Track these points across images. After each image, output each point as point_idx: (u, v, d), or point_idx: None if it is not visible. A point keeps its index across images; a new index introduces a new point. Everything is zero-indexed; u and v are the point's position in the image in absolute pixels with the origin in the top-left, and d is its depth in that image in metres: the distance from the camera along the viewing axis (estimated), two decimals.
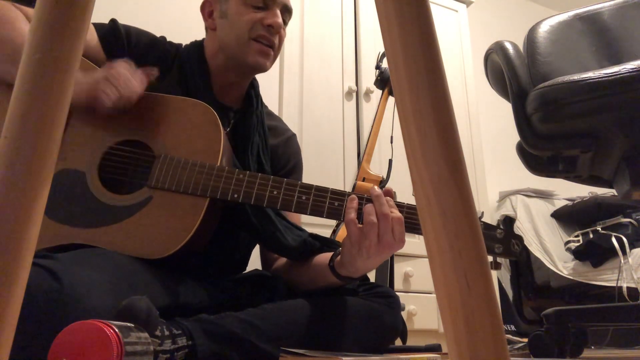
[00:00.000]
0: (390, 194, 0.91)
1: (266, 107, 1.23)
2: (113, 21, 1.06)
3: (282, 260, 1.11)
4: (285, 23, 1.11)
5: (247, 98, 1.15)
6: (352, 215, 0.88)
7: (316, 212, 0.90)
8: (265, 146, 1.12)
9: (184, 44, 1.14)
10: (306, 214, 0.90)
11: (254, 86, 1.17)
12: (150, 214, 0.88)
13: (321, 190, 0.91)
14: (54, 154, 0.30)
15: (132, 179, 0.94)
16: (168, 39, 1.14)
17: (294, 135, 1.26)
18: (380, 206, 0.87)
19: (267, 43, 1.06)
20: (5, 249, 0.28)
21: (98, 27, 1.04)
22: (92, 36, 1.03)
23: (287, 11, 1.11)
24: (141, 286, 0.78)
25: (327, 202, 0.90)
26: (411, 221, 0.90)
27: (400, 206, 0.90)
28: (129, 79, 0.90)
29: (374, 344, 1.00)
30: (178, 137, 0.94)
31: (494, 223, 2.77)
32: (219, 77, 1.10)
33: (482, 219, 0.98)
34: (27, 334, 0.61)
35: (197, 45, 1.13)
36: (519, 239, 0.94)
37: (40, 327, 0.62)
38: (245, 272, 1.14)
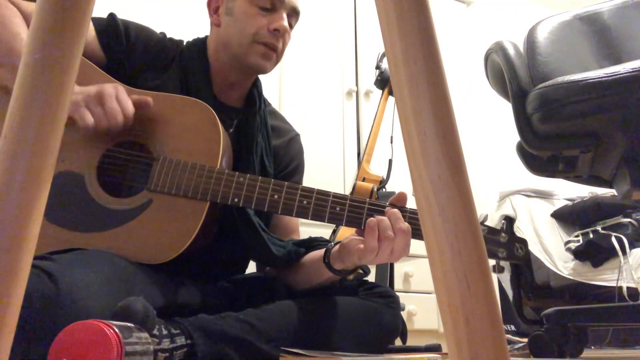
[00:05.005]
0: (404, 199, 0.90)
1: (269, 105, 1.21)
2: (112, 15, 1.03)
3: None
4: (291, 26, 1.07)
5: (250, 97, 1.12)
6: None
7: (317, 216, 0.88)
8: (268, 147, 1.10)
9: (185, 41, 1.12)
10: (307, 218, 0.89)
11: (256, 85, 1.14)
12: (150, 218, 0.88)
13: (322, 194, 0.89)
14: (54, 154, 0.30)
15: (131, 181, 0.93)
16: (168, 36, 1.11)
17: (298, 135, 1.23)
18: (396, 221, 0.85)
19: (270, 46, 1.02)
20: (5, 249, 0.28)
21: (95, 21, 1.01)
22: (89, 30, 1.00)
23: (294, 14, 1.07)
24: (139, 287, 0.78)
25: (328, 206, 0.88)
26: (415, 228, 0.88)
27: (402, 211, 0.88)
28: (114, 107, 0.85)
29: (373, 343, 1.00)
30: (177, 138, 0.93)
31: (494, 223, 2.77)
32: (220, 75, 1.07)
33: (486, 222, 0.97)
34: (24, 336, 0.61)
35: (200, 42, 1.10)
36: (523, 242, 0.93)
37: (37, 329, 0.62)
38: (245, 274, 1.14)
